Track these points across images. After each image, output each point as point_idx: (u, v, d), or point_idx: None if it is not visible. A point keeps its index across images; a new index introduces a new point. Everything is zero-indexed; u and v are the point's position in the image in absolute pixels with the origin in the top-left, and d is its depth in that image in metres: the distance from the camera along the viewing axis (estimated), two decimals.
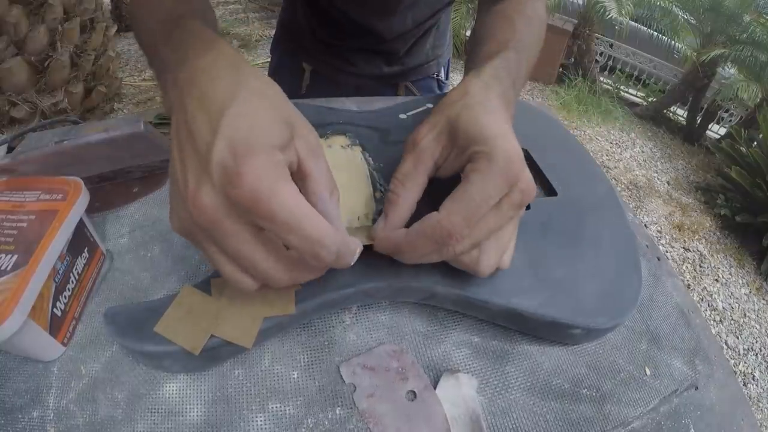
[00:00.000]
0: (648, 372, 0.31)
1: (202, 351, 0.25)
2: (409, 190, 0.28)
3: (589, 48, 3.43)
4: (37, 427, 0.25)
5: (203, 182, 0.21)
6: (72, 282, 0.29)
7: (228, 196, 0.20)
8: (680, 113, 3.51)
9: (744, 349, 1.84)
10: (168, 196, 0.24)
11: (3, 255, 0.25)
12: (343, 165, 0.34)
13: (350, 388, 0.28)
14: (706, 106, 3.27)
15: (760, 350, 1.85)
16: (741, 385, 1.36)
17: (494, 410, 0.28)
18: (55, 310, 0.27)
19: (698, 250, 2.27)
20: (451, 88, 0.55)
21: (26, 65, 1.61)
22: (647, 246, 0.41)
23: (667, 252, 2.23)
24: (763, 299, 2.09)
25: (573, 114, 3.13)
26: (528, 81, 0.41)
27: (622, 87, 3.60)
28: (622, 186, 2.61)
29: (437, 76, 0.73)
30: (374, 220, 0.31)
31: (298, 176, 0.24)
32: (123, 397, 0.26)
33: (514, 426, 0.27)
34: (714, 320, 1.94)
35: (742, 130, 2.68)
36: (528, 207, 0.35)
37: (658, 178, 2.77)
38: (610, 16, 2.90)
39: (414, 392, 0.28)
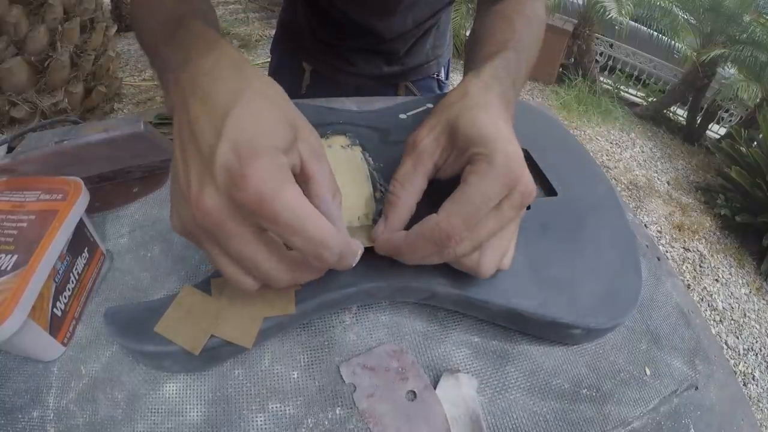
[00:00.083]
0: (648, 372, 0.31)
1: (202, 351, 0.25)
2: (408, 192, 0.28)
3: (589, 48, 3.43)
4: (37, 427, 0.25)
5: (206, 184, 0.21)
6: (72, 282, 0.29)
7: (232, 198, 0.20)
8: (680, 113, 3.51)
9: (744, 349, 1.84)
10: (168, 196, 0.24)
11: (3, 255, 0.25)
12: (343, 165, 0.34)
13: (350, 388, 0.28)
14: (706, 106, 3.28)
15: (760, 350, 1.85)
16: (741, 385, 1.36)
17: (494, 410, 0.28)
18: (55, 310, 0.27)
19: (698, 250, 2.27)
20: (451, 88, 0.55)
21: (26, 65, 1.61)
22: (647, 246, 0.41)
23: (667, 252, 2.23)
24: (763, 299, 2.09)
25: (573, 114, 3.13)
26: (528, 81, 0.41)
27: (622, 87, 3.60)
28: (622, 186, 2.61)
29: (437, 76, 0.73)
30: (374, 220, 0.31)
31: (301, 178, 0.24)
32: (123, 397, 0.26)
33: (514, 426, 0.27)
34: (714, 320, 1.94)
35: (742, 130, 2.68)
36: (528, 207, 0.35)
37: (658, 178, 2.77)
38: (610, 16, 2.90)
39: (414, 392, 0.28)
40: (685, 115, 3.43)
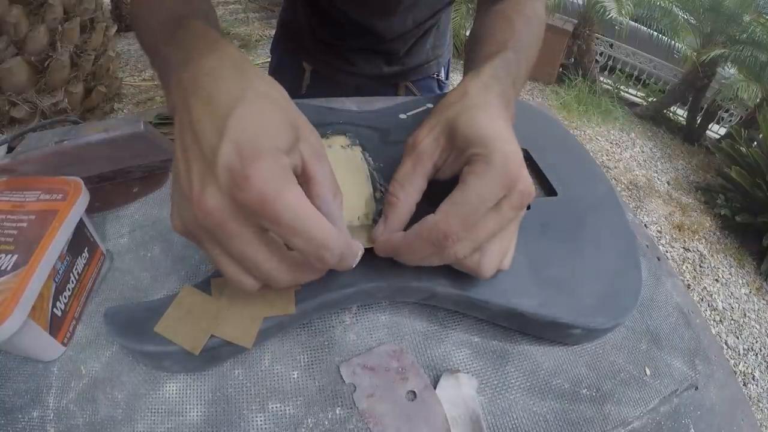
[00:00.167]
0: (648, 372, 0.31)
1: (202, 351, 0.25)
2: (408, 193, 0.28)
3: (589, 48, 3.43)
4: (37, 427, 0.25)
5: (208, 184, 0.21)
6: (72, 282, 0.29)
7: (234, 199, 0.20)
8: (680, 113, 3.51)
9: (744, 349, 1.84)
10: (168, 196, 0.24)
11: (3, 255, 0.25)
12: (343, 165, 0.34)
13: (350, 388, 0.28)
14: (706, 106, 3.28)
15: (760, 350, 1.85)
16: (741, 385, 1.36)
17: (494, 410, 0.28)
18: (55, 310, 0.27)
19: (698, 250, 2.27)
20: (451, 88, 0.55)
21: (26, 65, 1.61)
22: (647, 246, 0.41)
23: (667, 252, 2.23)
24: (763, 299, 2.09)
25: (573, 114, 3.13)
26: (528, 81, 0.41)
27: (622, 87, 3.60)
28: (622, 186, 2.61)
29: (437, 76, 0.73)
30: (375, 220, 0.31)
31: (302, 179, 0.24)
32: (123, 397, 0.26)
33: (514, 426, 0.27)
34: (714, 320, 1.94)
35: (742, 130, 2.68)
36: (528, 207, 0.35)
37: (658, 178, 2.77)
38: (610, 16, 2.90)
39: (414, 392, 0.28)
40: (685, 115, 3.43)
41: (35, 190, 0.29)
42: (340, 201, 0.25)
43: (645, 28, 3.42)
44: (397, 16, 0.59)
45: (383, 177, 0.34)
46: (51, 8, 1.62)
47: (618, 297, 0.31)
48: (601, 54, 3.70)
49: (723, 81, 3.09)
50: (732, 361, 1.78)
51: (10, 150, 0.38)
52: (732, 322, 1.95)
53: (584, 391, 0.30)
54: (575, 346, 0.32)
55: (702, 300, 2.02)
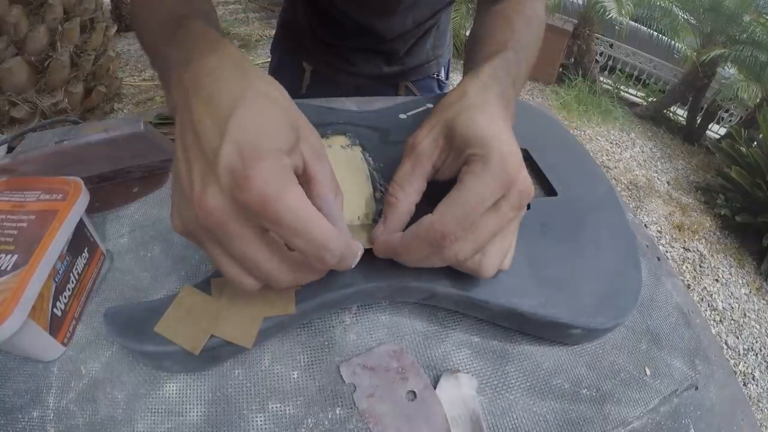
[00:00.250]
0: (648, 372, 0.31)
1: (202, 351, 0.25)
2: (407, 194, 0.28)
3: (589, 48, 3.43)
4: (37, 427, 0.25)
5: (209, 184, 0.21)
6: (72, 282, 0.29)
7: (235, 200, 0.20)
8: (680, 113, 3.51)
9: (744, 349, 1.84)
10: (168, 196, 0.24)
11: (3, 255, 0.25)
12: (343, 165, 0.34)
13: (350, 388, 0.28)
14: (706, 106, 3.27)
15: (760, 350, 1.85)
16: (741, 385, 1.36)
17: (494, 410, 0.28)
18: (55, 310, 0.27)
19: (698, 250, 2.27)
20: (451, 88, 0.55)
21: (26, 65, 1.61)
22: (647, 246, 0.41)
23: (667, 252, 2.23)
24: (763, 299, 2.09)
25: (573, 114, 3.13)
26: (528, 81, 0.41)
27: (622, 87, 3.60)
28: (622, 186, 2.61)
29: (437, 76, 0.73)
30: (375, 220, 0.31)
31: (303, 179, 0.24)
32: (123, 397, 0.26)
33: (514, 426, 0.27)
34: (714, 320, 1.94)
35: (742, 130, 2.68)
36: (528, 207, 0.35)
37: (658, 178, 2.77)
38: (610, 16, 2.90)
39: (414, 392, 0.28)
40: (685, 115, 3.43)
41: (35, 190, 0.29)
42: (340, 201, 0.25)
43: (645, 28, 3.42)
44: (397, 16, 0.59)
45: (383, 177, 0.34)
46: (51, 8, 1.62)
47: (618, 297, 0.31)
48: (601, 54, 3.70)
49: (723, 81, 3.09)
50: (732, 361, 1.78)
51: (10, 150, 0.38)
52: (732, 322, 1.95)
53: (584, 391, 0.30)
54: (575, 346, 0.32)
55: (702, 300, 2.02)
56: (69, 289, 0.29)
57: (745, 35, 2.90)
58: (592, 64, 3.47)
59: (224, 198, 0.20)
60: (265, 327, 0.27)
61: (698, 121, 3.32)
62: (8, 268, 0.24)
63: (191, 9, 0.32)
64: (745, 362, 1.80)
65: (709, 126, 3.36)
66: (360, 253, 0.24)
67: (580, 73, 3.43)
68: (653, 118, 3.41)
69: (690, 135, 3.29)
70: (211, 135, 0.21)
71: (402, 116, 0.42)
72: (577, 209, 0.36)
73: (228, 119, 0.21)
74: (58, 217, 0.27)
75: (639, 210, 2.44)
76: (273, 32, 0.75)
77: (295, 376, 0.28)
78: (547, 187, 0.39)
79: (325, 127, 0.38)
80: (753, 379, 1.74)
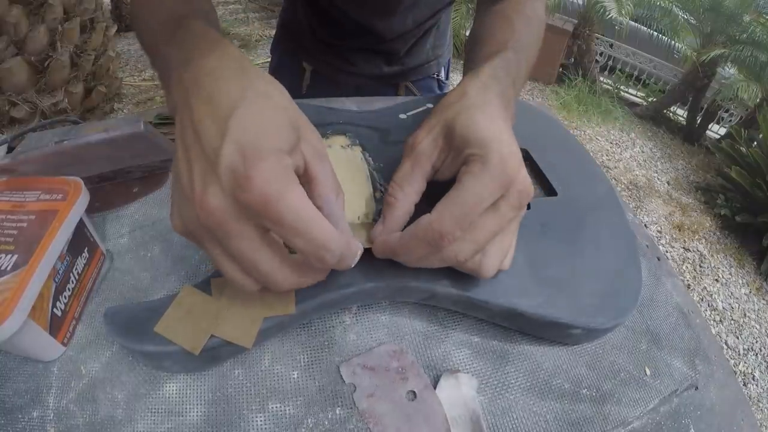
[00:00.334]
0: (648, 372, 0.31)
1: (202, 351, 0.25)
2: (406, 194, 0.28)
3: (589, 48, 3.43)
4: (37, 427, 0.25)
5: (210, 183, 0.21)
6: (72, 282, 0.29)
7: (236, 199, 0.20)
8: (680, 113, 3.51)
9: (744, 349, 1.84)
10: (168, 196, 0.24)
11: (3, 255, 0.25)
12: (343, 165, 0.34)
13: (350, 388, 0.28)
14: (706, 106, 3.27)
15: (760, 350, 1.85)
16: (741, 385, 1.36)
17: (494, 410, 0.28)
18: (55, 310, 0.27)
19: (698, 250, 2.27)
20: (451, 88, 0.55)
21: (26, 65, 1.61)
22: (647, 246, 0.41)
23: (667, 252, 2.23)
24: (763, 299, 2.09)
25: (573, 114, 3.13)
26: (528, 81, 0.41)
27: (622, 87, 3.60)
28: (622, 186, 2.61)
29: (437, 76, 0.73)
30: (375, 220, 0.31)
31: (304, 179, 0.24)
32: (123, 397, 0.26)
33: (514, 426, 0.27)
34: (714, 320, 1.94)
35: (742, 130, 2.68)
36: (528, 207, 0.35)
37: (658, 178, 2.77)
38: (610, 16, 2.90)
39: (414, 392, 0.28)
40: (685, 115, 3.43)
41: (35, 190, 0.29)
42: (342, 201, 0.25)
43: (645, 28, 3.42)
44: (397, 16, 0.59)
45: (383, 177, 0.34)
46: (51, 8, 1.62)
47: (618, 297, 0.31)
48: (601, 54, 3.70)
49: (723, 81, 3.09)
50: (732, 361, 1.78)
51: (10, 150, 0.38)
52: (732, 322, 1.95)
53: (584, 391, 0.30)
54: (575, 346, 0.32)
55: (702, 300, 2.02)
56: (69, 289, 0.29)
57: (745, 35, 2.90)
58: (592, 64, 3.47)
59: (225, 198, 0.20)
60: (265, 327, 0.27)
61: (698, 121, 3.32)
62: (8, 268, 0.24)
63: (191, 9, 0.32)
64: (745, 362, 1.80)
65: (709, 126, 3.36)
66: (359, 252, 0.24)
67: (580, 73, 3.43)
68: (653, 118, 3.41)
69: (690, 135, 3.29)
70: (212, 135, 0.21)
71: (402, 116, 0.42)
72: (577, 209, 0.36)
73: (229, 119, 0.21)
74: (58, 217, 0.27)
75: (639, 210, 2.44)
76: (273, 32, 0.75)
77: (295, 376, 0.28)
78: (547, 187, 0.39)
79: (325, 127, 0.38)
80: (753, 379, 1.74)
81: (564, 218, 0.35)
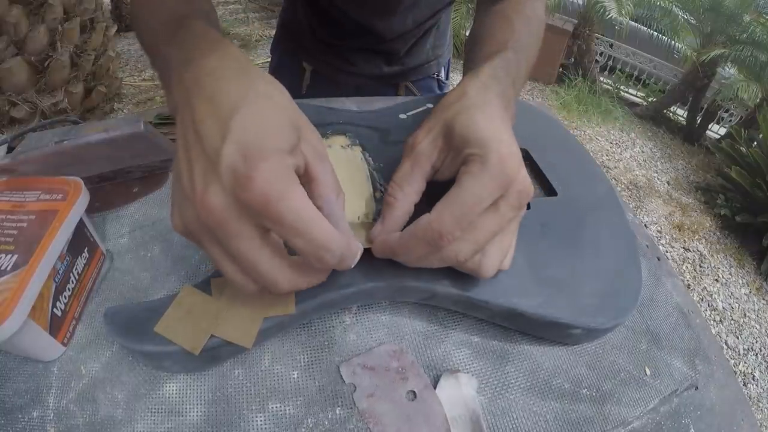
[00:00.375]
0: (648, 372, 0.31)
1: (202, 351, 0.25)
2: (405, 194, 0.28)
3: (589, 48, 3.43)
4: (37, 427, 0.25)
5: (211, 183, 0.21)
6: (72, 282, 0.29)
7: (237, 199, 0.20)
8: (680, 113, 3.51)
9: (744, 349, 1.84)
10: (168, 196, 0.24)
11: (3, 255, 0.25)
12: (343, 165, 0.34)
13: (350, 388, 0.28)
14: (706, 106, 3.27)
15: (760, 350, 1.85)
16: (741, 385, 1.36)
17: (494, 410, 0.28)
18: (55, 310, 0.27)
19: (698, 250, 2.27)
20: (451, 88, 0.55)
21: (26, 65, 1.61)
22: (647, 246, 0.41)
23: (667, 252, 2.23)
24: (763, 299, 2.09)
25: (573, 114, 3.13)
26: (528, 81, 0.41)
27: (622, 87, 3.60)
28: (622, 186, 2.61)
29: (437, 76, 0.73)
30: (375, 220, 0.31)
31: (305, 179, 0.24)
32: (123, 397, 0.26)
33: (514, 426, 0.27)
34: (714, 320, 1.94)
35: (742, 130, 2.68)
36: (528, 207, 0.35)
37: (658, 178, 2.77)
38: (610, 16, 2.90)
39: (414, 392, 0.28)
40: (685, 115, 3.43)
41: (35, 190, 0.29)
42: (342, 201, 0.25)
43: (645, 28, 3.42)
44: (397, 16, 0.59)
45: (383, 177, 0.34)
46: (51, 8, 1.62)
47: (618, 297, 0.31)
48: (601, 54, 3.70)
49: (723, 81, 3.09)
50: (732, 361, 1.78)
51: (10, 150, 0.38)
52: (732, 322, 1.95)
53: (584, 391, 0.30)
54: (575, 346, 0.32)
55: (702, 300, 2.02)
56: (69, 289, 0.29)
57: (745, 35, 2.90)
58: (592, 64, 3.47)
59: (226, 197, 0.21)
60: (265, 327, 0.27)
61: (698, 121, 3.31)
62: (8, 268, 0.24)
63: (192, 9, 0.32)
64: (745, 362, 1.80)
65: (709, 126, 3.36)
66: (359, 253, 0.24)
67: (580, 73, 3.43)
68: (653, 118, 3.41)
69: (690, 135, 3.29)
70: (213, 134, 0.21)
71: (402, 116, 0.42)
72: (577, 209, 0.36)
73: (230, 119, 0.21)
74: (58, 217, 0.27)
75: (639, 210, 2.44)
76: (273, 32, 0.75)
77: (295, 376, 0.28)
78: (547, 187, 0.39)
79: (325, 127, 0.38)
80: (753, 379, 1.74)
81: (564, 218, 0.35)
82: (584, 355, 0.32)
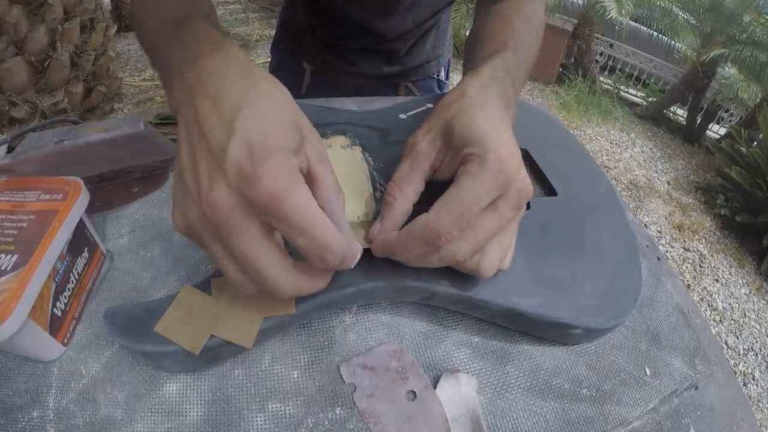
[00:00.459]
0: (648, 372, 0.31)
1: (202, 351, 0.25)
2: (405, 194, 0.28)
3: (589, 48, 3.43)
4: (37, 427, 0.25)
5: (217, 180, 0.21)
6: (72, 282, 0.29)
7: (243, 197, 0.20)
8: (680, 113, 3.51)
9: (744, 349, 1.84)
10: (168, 196, 0.24)
11: (3, 255, 0.25)
12: (343, 165, 0.34)
13: (350, 388, 0.28)
14: (706, 106, 3.27)
15: (760, 350, 1.85)
16: (741, 385, 1.36)
17: (494, 410, 0.28)
18: (55, 310, 0.27)
19: (698, 250, 2.27)
20: (451, 88, 0.55)
21: (26, 65, 1.61)
22: (647, 246, 0.41)
23: (667, 252, 2.23)
24: (763, 299, 2.09)
25: (573, 114, 3.13)
26: (528, 81, 0.41)
27: (622, 87, 3.60)
28: (622, 186, 2.61)
29: (437, 76, 0.73)
30: (375, 219, 0.31)
31: (307, 180, 0.24)
32: (123, 397, 0.26)
33: (514, 426, 0.28)
34: (714, 320, 1.94)
35: (742, 130, 2.68)
36: (528, 207, 0.35)
37: (658, 178, 2.77)
38: (610, 16, 2.90)
39: (414, 392, 0.28)
40: (685, 115, 3.43)
41: (35, 190, 0.29)
42: (342, 201, 0.25)
43: (645, 28, 3.42)
44: (397, 16, 0.59)
45: (383, 177, 0.34)
46: (51, 8, 1.62)
47: (618, 297, 0.31)
48: (601, 54, 3.70)
49: (723, 81, 3.08)
50: (732, 361, 1.78)
51: (10, 150, 0.38)
52: (732, 322, 1.95)
53: (584, 391, 0.30)
54: (575, 346, 0.32)
55: (702, 300, 2.02)
56: (69, 289, 0.29)
57: (745, 35, 2.90)
58: (592, 64, 3.47)
59: (231, 194, 0.21)
60: (265, 327, 0.27)
61: (698, 121, 3.31)
62: (8, 268, 0.24)
63: (193, 9, 0.32)
64: (745, 362, 1.80)
65: (709, 126, 3.36)
66: (359, 253, 0.24)
67: (580, 73, 3.43)
68: (653, 118, 3.41)
69: (690, 135, 3.29)
70: (218, 133, 0.21)
71: (402, 116, 0.42)
72: (577, 209, 0.36)
73: (234, 118, 0.21)
74: (58, 217, 0.27)
75: (639, 210, 2.44)
76: (273, 32, 0.75)
77: (295, 376, 0.28)
78: (547, 187, 0.39)
79: (325, 127, 0.38)
80: (753, 379, 1.74)
81: (564, 218, 0.35)
82: (584, 355, 0.32)
